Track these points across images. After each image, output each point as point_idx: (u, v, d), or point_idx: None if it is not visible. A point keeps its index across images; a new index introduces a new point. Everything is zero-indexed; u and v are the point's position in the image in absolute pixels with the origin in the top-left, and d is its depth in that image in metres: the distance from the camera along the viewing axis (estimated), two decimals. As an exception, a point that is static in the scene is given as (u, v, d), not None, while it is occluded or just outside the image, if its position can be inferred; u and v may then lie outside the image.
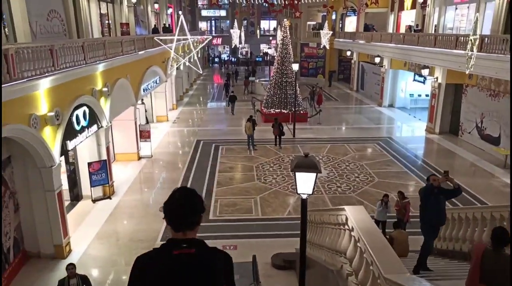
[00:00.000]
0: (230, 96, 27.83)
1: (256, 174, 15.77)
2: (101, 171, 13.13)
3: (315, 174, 5.15)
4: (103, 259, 10.06)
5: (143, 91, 18.68)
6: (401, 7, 32.06)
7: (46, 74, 8.99)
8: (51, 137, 9.55)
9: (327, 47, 33.07)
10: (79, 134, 11.20)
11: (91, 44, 11.99)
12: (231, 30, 32.68)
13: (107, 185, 13.44)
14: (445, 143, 20.06)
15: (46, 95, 9.26)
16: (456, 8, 24.31)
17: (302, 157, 5.24)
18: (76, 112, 10.96)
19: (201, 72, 22.97)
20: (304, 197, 5.39)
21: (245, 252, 10.14)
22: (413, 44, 23.44)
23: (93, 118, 12.39)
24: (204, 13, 66.97)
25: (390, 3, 33.81)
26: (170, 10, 41.31)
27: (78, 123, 11.10)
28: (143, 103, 23.05)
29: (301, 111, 24.27)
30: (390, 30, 33.21)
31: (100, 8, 21.44)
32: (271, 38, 65.80)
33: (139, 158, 17.51)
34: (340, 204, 13.01)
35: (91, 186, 13.06)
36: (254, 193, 14.01)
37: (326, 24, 32.01)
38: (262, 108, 25.20)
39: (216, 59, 65.47)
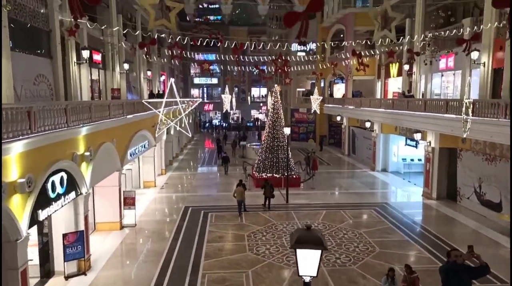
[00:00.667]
0: (223, 157, 28.71)
1: (248, 244, 14.58)
2: (77, 243, 11.91)
3: (320, 251, 4.29)
4: None
5: (130, 155, 17.98)
6: (388, 75, 33.08)
7: (20, 137, 8.27)
8: (20, 207, 8.58)
9: (318, 111, 33.44)
10: (53, 202, 10.22)
11: (75, 107, 11.48)
12: (223, 95, 33.12)
13: (83, 259, 12.13)
14: (444, 209, 19.27)
15: (18, 160, 8.47)
16: (442, 75, 24.99)
17: (304, 230, 4.43)
18: (52, 178, 10.10)
19: (190, 136, 22.68)
20: (307, 280, 4.46)
21: None
22: (403, 109, 23.63)
23: (72, 184, 11.49)
24: (196, 80, 68.96)
25: (376, 71, 34.96)
26: (163, 77, 42.23)
27: (53, 190, 10.18)
28: (129, 169, 22.26)
29: (294, 176, 23.61)
30: (378, 96, 33.93)
31: (91, 74, 21.50)
32: (261, 104, 67.37)
33: (122, 227, 16.28)
34: (340, 278, 11.85)
35: (64, 260, 11.75)
36: (245, 266, 12.76)
37: (316, 90, 32.67)
38: (254, 172, 24.52)
39: (207, 125, 66.07)
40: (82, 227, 12.16)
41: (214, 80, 68.14)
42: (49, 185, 9.94)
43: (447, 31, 22.55)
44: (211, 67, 69.41)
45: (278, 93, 24.98)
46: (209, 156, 35.66)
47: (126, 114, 16.99)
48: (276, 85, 25.59)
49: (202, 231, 16.00)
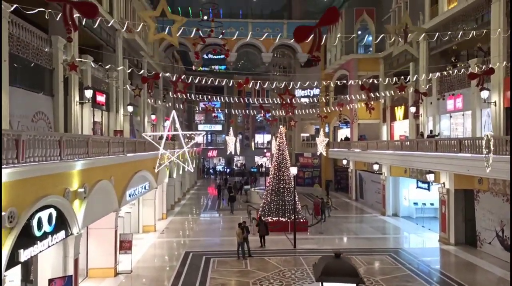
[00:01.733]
0: (230, 196, 29.14)
1: (253, 293, 13.25)
2: (64, 290, 10.71)
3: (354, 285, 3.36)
4: None
5: (129, 196, 17.07)
6: (393, 118, 32.74)
7: (4, 166, 7.53)
8: (-2, 245, 7.64)
9: (324, 153, 32.71)
10: (39, 242, 9.24)
11: (70, 140, 10.84)
12: (227, 137, 32.65)
13: (70, 308, 10.88)
14: (464, 255, 17.86)
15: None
16: (451, 117, 24.48)
17: (332, 258, 3.52)
18: (39, 214, 9.20)
19: (192, 170, 21.99)
20: None
21: None
22: (412, 150, 22.89)
23: (62, 223, 10.55)
24: (201, 127, 69.11)
25: (381, 114, 34.69)
26: (167, 123, 42.22)
27: (39, 228, 9.24)
28: (129, 212, 21.22)
29: (301, 220, 22.39)
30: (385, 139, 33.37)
31: (94, 115, 21.16)
32: (265, 150, 66.95)
33: (116, 274, 14.99)
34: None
35: (48, 310, 10.50)
36: (251, 318, 11.41)
37: (321, 131, 32.14)
38: (259, 216, 23.32)
39: (211, 171, 65.23)
40: (71, 272, 11.03)
41: (218, 127, 68.38)
42: (34, 222, 9.02)
43: (455, 71, 22.34)
44: (215, 113, 70.61)
45: (284, 135, 24.44)
46: (212, 202, 34.50)
47: (126, 153, 16.34)
48: (281, 126, 25.16)
49: (203, 278, 14.68)
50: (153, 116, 33.78)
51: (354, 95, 33.68)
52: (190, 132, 18.01)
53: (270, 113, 31.86)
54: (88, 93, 18.23)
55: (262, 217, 22.28)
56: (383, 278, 14.67)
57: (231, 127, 34.28)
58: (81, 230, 11.50)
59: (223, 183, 39.37)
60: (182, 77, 15.88)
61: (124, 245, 15.43)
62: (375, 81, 26.72)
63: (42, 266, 10.82)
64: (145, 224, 22.37)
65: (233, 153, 33.68)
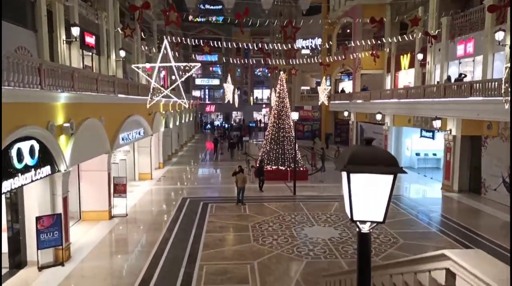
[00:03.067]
0: (230, 143, 30.34)
1: (253, 235, 12.81)
2: (53, 229, 10.17)
3: (391, 177, 2.57)
4: None
5: (122, 140, 16.29)
6: (398, 68, 31.42)
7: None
8: (-30, 171, 6.88)
9: (326, 103, 31.70)
10: (20, 174, 8.52)
11: (52, 69, 9.84)
12: (225, 85, 31.48)
13: (61, 247, 10.39)
14: (468, 201, 17.47)
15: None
16: (460, 63, 23.29)
17: (361, 146, 2.70)
18: (18, 144, 8.41)
19: (185, 102, 21.08)
20: (366, 229, 2.72)
21: None
22: (419, 97, 21.94)
23: (46, 158, 9.79)
24: (198, 81, 67.48)
25: (386, 64, 33.33)
26: (163, 73, 40.75)
27: (20, 160, 8.49)
28: (123, 159, 20.57)
29: (301, 169, 21.85)
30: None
31: (83, 58, 19.92)
32: (264, 105, 65.74)
33: (111, 217, 14.53)
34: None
35: (38, 248, 10.01)
36: (250, 257, 10.98)
37: (323, 80, 30.99)
38: (257, 165, 22.76)
39: (209, 126, 64.35)
40: (59, 210, 10.43)
41: (216, 81, 66.65)
42: (13, 152, 8.25)
43: (467, 13, 20.91)
44: (213, 68, 68.67)
45: (284, 81, 23.32)
46: (210, 154, 33.91)
47: (118, 94, 15.37)
48: (282, 72, 23.98)
49: (200, 222, 14.24)
50: (147, 65, 32.41)
51: (359, 42, 32.16)
52: (185, 63, 16.81)
53: (269, 62, 30.31)
54: (75, 31, 16.98)
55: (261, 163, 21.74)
56: (386, 222, 14.23)
57: (229, 75, 32.85)
58: (69, 168, 10.78)
59: (220, 136, 38.49)
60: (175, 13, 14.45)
61: (118, 188, 14.86)
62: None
63: (29, 204, 10.19)
64: (141, 171, 21.81)
65: (231, 102, 32.62)
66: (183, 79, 16.91)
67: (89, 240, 12.32)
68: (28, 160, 8.80)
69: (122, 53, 24.01)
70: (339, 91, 39.73)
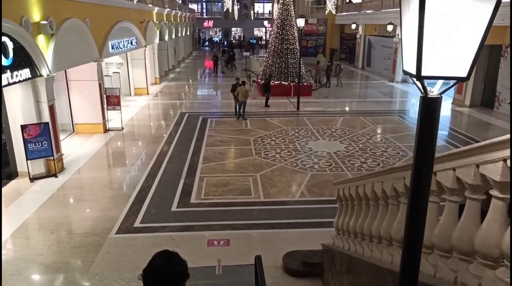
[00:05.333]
0: (230, 55, 30.49)
1: (255, 148, 12.22)
2: (42, 138, 9.48)
3: (494, 3, 1.56)
4: (22, 261, 6.47)
5: (112, 48, 14.97)
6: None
7: None
8: None
9: (333, 11, 29.42)
10: (-8, 74, 7.54)
11: (18, -49, 8.30)
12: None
13: (52, 158, 9.81)
14: (480, 115, 16.72)
15: None
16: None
17: None
18: (-15, 40, 7.31)
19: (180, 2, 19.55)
20: (435, 92, 1.78)
21: (243, 249, 6.73)
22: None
23: (24, 60, 8.72)
24: (195, -7, 62.89)
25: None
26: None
27: (-10, 58, 7.45)
28: (117, 72, 19.39)
29: (305, 83, 20.74)
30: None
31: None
32: (265, 22, 62.03)
33: (106, 130, 13.86)
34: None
35: (27, 159, 9.43)
36: (252, 170, 10.48)
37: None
38: (259, 80, 21.65)
39: (207, 42, 61.40)
40: (46, 119, 9.64)
41: (214, -6, 62.01)
42: (-19, 48, 7.19)
43: None
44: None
45: (288, -14, 21.09)
46: (209, 70, 32.45)
47: (103, -7, 13.71)
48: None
49: (200, 136, 13.59)
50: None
51: None
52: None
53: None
54: None
55: (261, 81, 20.62)
56: (394, 136, 13.62)
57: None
58: (53, 73, 9.74)
59: (220, 53, 36.46)
60: None
61: (112, 101, 13.96)
62: None
63: (12, 113, 9.37)
64: (137, 86, 20.74)
65: (230, 10, 30.22)
66: None
67: (83, 152, 11.76)
68: (2, 59, 7.73)
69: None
70: (347, 2, 36.87)
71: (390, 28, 24.43)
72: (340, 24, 37.25)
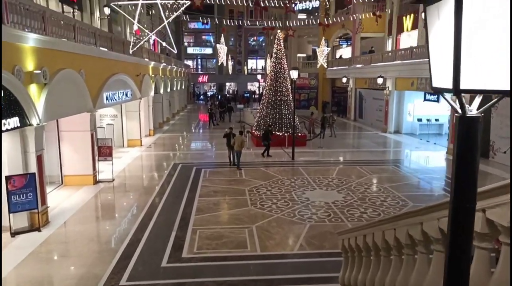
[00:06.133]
0: (228, 107, 31.61)
1: (250, 198, 11.79)
2: (27, 190, 9.03)
3: None
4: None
5: (106, 99, 14.96)
6: (400, 30, 29.93)
7: None
8: None
9: (325, 65, 30.30)
10: (-21, 122, 7.28)
11: (14, 4, 8.41)
12: (218, 45, 29.78)
13: (36, 211, 9.28)
14: (476, 165, 16.56)
15: None
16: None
17: None
18: (-26, 87, 7.13)
19: (175, 51, 19.88)
20: (474, 109, 1.52)
21: (239, 309, 6.10)
22: (424, 56, 20.70)
23: (14, 108, 8.52)
24: (190, 50, 65.28)
25: (387, 26, 31.79)
26: (153, 38, 38.77)
27: (-22, 105, 7.23)
28: (110, 124, 19.30)
29: (299, 134, 20.75)
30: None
31: (63, 11, 18.24)
32: (259, 76, 63.91)
33: (96, 182, 13.41)
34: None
35: (10, 212, 8.90)
36: (248, 221, 9.99)
37: (322, 41, 29.43)
38: (253, 131, 21.65)
39: (202, 96, 62.58)
40: (33, 169, 9.25)
41: (209, 51, 64.42)
42: (-31, 95, 6.99)
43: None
44: (205, 37, 66.17)
45: (282, 41, 21.85)
46: (204, 122, 32.63)
47: (100, 46, 13.94)
48: (279, 31, 22.44)
49: (193, 186, 13.17)
50: (135, 27, 30.54)
51: (359, 4, 30.53)
52: (171, 1, 15.15)
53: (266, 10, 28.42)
54: (51, -22, 15.30)
55: (255, 131, 20.61)
56: (392, 185, 13.32)
57: (222, 35, 31.06)
58: (44, 122, 9.52)
59: (215, 106, 36.58)
60: None
61: (103, 151, 13.67)
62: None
63: (-3, 163, 8.98)
64: (130, 138, 20.56)
65: (224, 64, 31.06)
66: (170, 19, 15.37)
67: (70, 204, 11.23)
68: (-12, 107, 7.53)
69: (107, 11, 22.08)
70: (337, 58, 38.27)
71: (380, 81, 25.07)
72: (331, 78, 38.31)
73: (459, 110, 1.45)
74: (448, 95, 1.46)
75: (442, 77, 1.38)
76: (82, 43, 12.23)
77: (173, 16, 15.16)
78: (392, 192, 12.56)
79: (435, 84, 1.44)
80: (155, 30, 17.74)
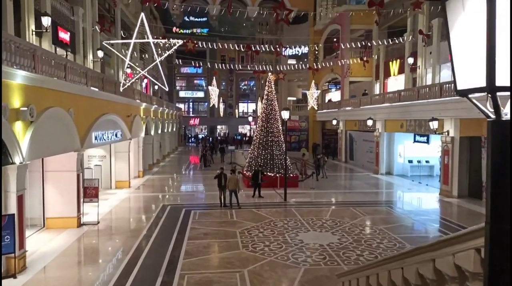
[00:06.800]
0: (220, 148, 31.82)
1: (241, 241, 11.29)
2: (4, 232, 8.47)
3: None
4: None
5: (95, 139, 14.68)
6: (387, 74, 30.82)
7: None
8: None
9: (315, 107, 30.66)
10: (-44, 159, 6.93)
11: (5, 42, 8.36)
12: (210, 88, 30.10)
13: (13, 255, 8.68)
14: (469, 206, 16.36)
15: None
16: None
17: None
18: (-45, 122, 6.85)
19: (167, 89, 19.94)
20: (508, 112, 1.33)
21: None
22: (412, 99, 21.11)
23: (-3, 145, 8.21)
24: (182, 94, 66.14)
25: (374, 71, 32.74)
26: (145, 81, 39.23)
27: (-43, 141, 6.91)
28: (98, 165, 18.89)
29: (291, 175, 20.51)
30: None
31: (55, 52, 18.40)
32: (250, 118, 64.50)
33: (80, 225, 12.80)
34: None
35: (-16, 256, 8.30)
36: (239, 265, 9.46)
37: (312, 84, 29.94)
38: (245, 171, 21.36)
39: (193, 139, 62.56)
40: (13, 210, 8.77)
41: (200, 94, 65.33)
42: None
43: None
44: (197, 81, 67.40)
45: (273, 83, 22.19)
46: (194, 164, 32.26)
47: (90, 86, 13.89)
48: (270, 73, 22.86)
49: (182, 228, 12.64)
50: (128, 71, 30.94)
51: (347, 50, 31.60)
52: (164, 40, 15.33)
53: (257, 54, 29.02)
54: (46, 21, 15.48)
55: (247, 172, 20.33)
56: (387, 226, 12.95)
57: (214, 78, 31.50)
58: (27, 161, 9.17)
59: (208, 149, 35.84)
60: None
61: (89, 192, 13.19)
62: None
63: (-26, 203, 8.51)
64: (118, 179, 20.04)
65: (216, 106, 31.28)
66: (162, 58, 15.50)
67: (51, 249, 10.59)
68: (-32, 144, 7.22)
69: (100, 54, 22.42)
70: (327, 101, 39.01)
71: (370, 123, 25.33)
72: (321, 120, 38.78)
73: (492, 115, 1.25)
74: (475, 98, 1.27)
75: (470, 77, 1.21)
76: (72, 83, 12.14)
77: (165, 55, 15.31)
78: (388, 233, 12.17)
79: (461, 86, 1.26)
80: (148, 68, 17.83)
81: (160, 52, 15.37)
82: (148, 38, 14.63)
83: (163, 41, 15.85)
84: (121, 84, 15.54)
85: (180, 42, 15.48)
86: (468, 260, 2.30)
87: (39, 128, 9.71)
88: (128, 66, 16.01)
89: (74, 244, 11.17)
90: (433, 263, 2.68)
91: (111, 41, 18.35)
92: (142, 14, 14.43)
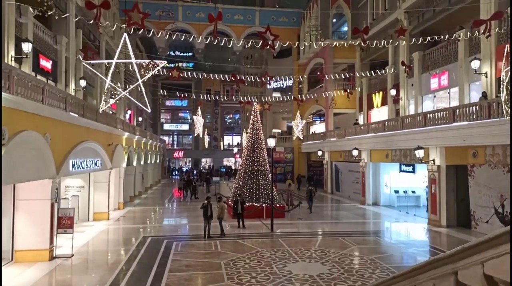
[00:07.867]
0: (206, 178, 33.14)
1: (226, 273, 10.59)
2: (-36, 264, 7.69)
3: None
4: None
5: (72, 166, 14.01)
6: (370, 106, 31.22)
7: None
8: None
9: (301, 137, 30.53)
10: None
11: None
12: (195, 117, 29.79)
13: (-27, 290, 7.83)
14: (460, 235, 16.02)
15: None
16: (434, 96, 23.09)
17: None
18: None
19: (149, 111, 19.42)
20: None
21: None
22: (396, 129, 21.22)
23: (-39, 168, 7.57)
24: (166, 127, 65.77)
25: (358, 103, 33.17)
26: (129, 113, 38.75)
27: None
28: (76, 196, 18.05)
29: (277, 205, 19.97)
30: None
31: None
32: (234, 152, 64.17)
33: (52, 258, 11.89)
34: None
35: None
36: (224, 298, 8.77)
37: (297, 114, 29.94)
38: (230, 202, 20.72)
39: (176, 172, 61.48)
40: (-25, 240, 8.00)
41: (185, 127, 65.09)
42: None
43: (439, 47, 21.02)
44: (182, 114, 67.29)
45: (258, 113, 22.07)
46: (177, 197, 31.32)
47: (70, 111, 13.41)
48: (255, 103, 22.80)
49: (163, 261, 11.86)
50: (111, 101, 30.49)
51: (331, 82, 32.09)
52: (147, 60, 14.93)
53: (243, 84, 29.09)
54: (26, 47, 15.15)
55: (232, 203, 19.71)
56: (379, 256, 12.45)
57: (199, 108, 31.30)
58: (-5, 186, 8.51)
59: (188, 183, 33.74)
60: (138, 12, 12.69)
61: (64, 223, 12.36)
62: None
63: None
64: (97, 210, 19.10)
65: (201, 135, 30.89)
66: (145, 79, 15.14)
67: (18, 285, 9.68)
68: None
69: (83, 83, 22.05)
70: (312, 133, 39.14)
71: (355, 153, 25.26)
72: (307, 152, 38.70)
73: None
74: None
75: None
76: (50, 106, 11.67)
77: (149, 75, 14.98)
78: (379, 263, 11.66)
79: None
80: (130, 88, 17.45)
81: (143, 73, 15.05)
82: (131, 58, 14.35)
83: (147, 61, 15.55)
84: (101, 105, 15.04)
85: (164, 63, 15.27)
86: (502, 268, 1.91)
87: (10, 152, 9.12)
88: (109, 86, 15.51)
89: (44, 279, 10.27)
90: (455, 276, 2.28)
91: (92, 61, 17.97)
92: (125, 35, 14.23)
